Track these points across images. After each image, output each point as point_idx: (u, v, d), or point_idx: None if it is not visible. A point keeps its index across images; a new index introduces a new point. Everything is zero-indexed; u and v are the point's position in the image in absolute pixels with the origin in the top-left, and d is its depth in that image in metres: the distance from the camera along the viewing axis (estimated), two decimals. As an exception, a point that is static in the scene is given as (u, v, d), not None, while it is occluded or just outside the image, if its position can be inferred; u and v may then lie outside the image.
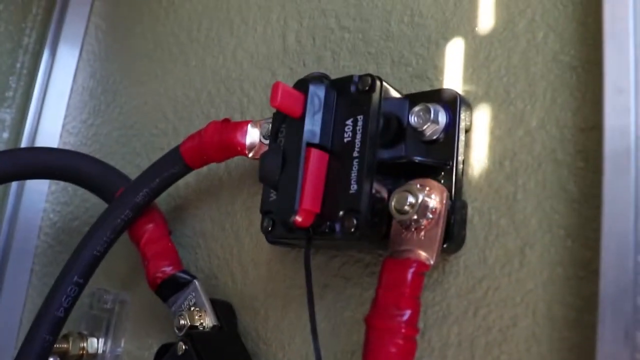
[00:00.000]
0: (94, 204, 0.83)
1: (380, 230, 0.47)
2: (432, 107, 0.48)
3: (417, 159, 0.48)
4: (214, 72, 0.75)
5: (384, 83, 0.49)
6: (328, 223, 0.47)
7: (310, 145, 0.48)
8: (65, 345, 0.72)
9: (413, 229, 0.45)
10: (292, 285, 0.59)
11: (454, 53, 0.53)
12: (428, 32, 0.56)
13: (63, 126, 0.94)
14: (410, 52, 0.56)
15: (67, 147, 0.92)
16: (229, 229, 0.66)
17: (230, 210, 0.66)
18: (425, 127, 0.48)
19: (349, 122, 0.48)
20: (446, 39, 0.54)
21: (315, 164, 0.47)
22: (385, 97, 0.49)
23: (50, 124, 0.93)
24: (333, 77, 0.52)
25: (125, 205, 0.62)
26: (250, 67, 0.70)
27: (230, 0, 0.76)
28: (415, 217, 0.45)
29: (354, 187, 0.46)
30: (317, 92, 0.50)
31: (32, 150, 0.80)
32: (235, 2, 0.75)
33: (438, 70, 0.54)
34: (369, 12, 0.61)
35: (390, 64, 0.57)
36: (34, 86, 0.95)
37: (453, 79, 0.53)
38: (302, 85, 0.50)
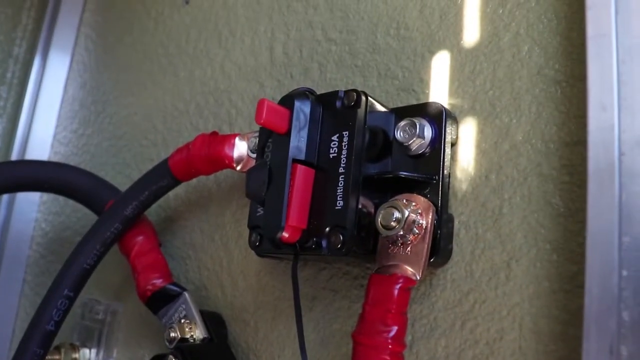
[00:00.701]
0: (86, 214, 0.83)
1: (367, 245, 0.47)
2: (418, 122, 0.48)
3: (403, 173, 0.48)
4: (202, 83, 0.75)
5: (370, 98, 0.49)
6: (315, 239, 0.47)
7: (296, 161, 0.48)
8: (57, 357, 0.72)
9: (400, 244, 0.46)
10: (281, 297, 0.59)
11: (440, 66, 0.53)
12: (414, 45, 0.56)
13: (54, 136, 0.94)
14: (396, 65, 0.57)
15: (58, 157, 0.93)
16: (219, 241, 0.66)
17: (220, 222, 0.66)
18: (411, 141, 0.48)
19: (335, 137, 0.49)
20: (432, 52, 0.54)
21: (301, 180, 0.48)
22: (370, 111, 0.49)
23: (41, 133, 0.94)
24: (320, 89, 0.53)
25: (115, 218, 0.62)
26: (238, 79, 0.70)
27: (218, 12, 0.76)
28: (402, 232, 0.45)
29: (340, 203, 0.46)
30: (303, 108, 0.50)
31: (23, 163, 0.79)
32: (223, 14, 0.75)
33: (424, 83, 0.54)
34: (355, 24, 0.61)
35: (377, 76, 0.58)
36: (25, 96, 0.95)
37: (439, 92, 0.53)
38: (287, 101, 0.50)
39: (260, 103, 0.48)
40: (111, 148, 0.86)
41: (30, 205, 0.91)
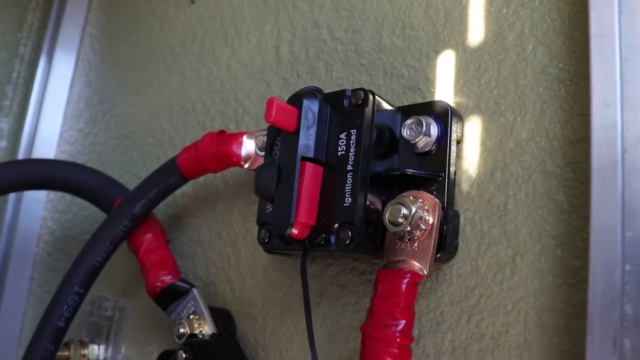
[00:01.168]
0: (92, 212, 0.83)
1: (375, 241, 0.48)
2: (424, 120, 0.49)
3: (410, 171, 0.49)
4: (208, 82, 0.75)
5: (377, 96, 0.50)
6: (323, 235, 0.48)
7: (304, 159, 0.49)
8: (66, 353, 0.73)
9: (407, 240, 0.47)
10: (289, 293, 0.60)
11: (445, 65, 0.54)
12: (419, 44, 0.57)
13: (60, 135, 0.95)
14: (402, 64, 0.57)
15: (64, 156, 0.93)
16: (226, 238, 0.67)
17: (227, 219, 0.67)
18: (417, 139, 0.49)
19: (343, 135, 0.49)
20: (437, 51, 0.55)
21: (310, 177, 0.48)
22: (377, 110, 0.50)
23: (48, 132, 0.94)
24: (326, 88, 0.54)
25: (124, 216, 0.63)
26: (245, 78, 0.71)
27: (223, 12, 0.77)
28: (409, 228, 0.46)
29: (348, 199, 0.47)
30: (311, 107, 0.51)
31: (31, 162, 0.80)
32: (229, 14, 0.76)
33: (429, 82, 0.55)
34: (360, 24, 0.62)
35: (383, 75, 0.58)
36: (31, 95, 0.95)
37: (444, 90, 0.54)
38: (296, 100, 0.51)
39: (270, 102, 0.49)
40: (118, 147, 0.86)
41: (37, 203, 0.92)
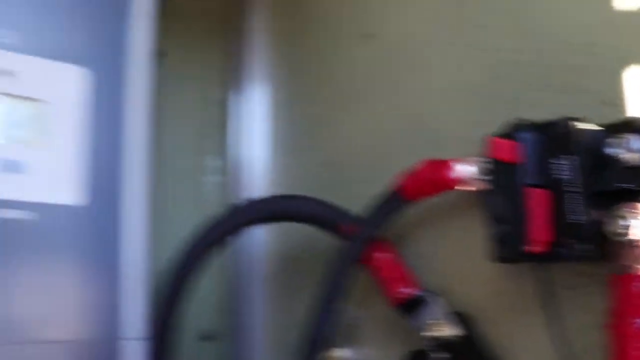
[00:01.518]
0: (309, 233, 0.90)
1: (601, 250, 0.56)
2: (627, 137, 0.56)
3: (622, 185, 0.56)
4: (404, 110, 0.84)
5: (581, 121, 0.58)
6: (555, 248, 0.57)
7: (527, 185, 0.59)
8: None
9: (631, 247, 0.54)
10: (520, 298, 0.67)
11: (635, 79, 0.60)
12: (608, 62, 0.62)
13: (266, 167, 1.08)
14: (590, 81, 0.63)
15: (276, 187, 1.06)
16: (447, 251, 0.76)
17: (446, 235, 0.76)
18: (623, 155, 0.56)
19: (558, 161, 0.58)
20: (624, 66, 0.61)
21: (537, 200, 0.58)
22: (584, 133, 0.58)
23: (255, 166, 1.08)
24: (520, 110, 0.63)
25: (361, 240, 0.76)
26: (439, 103, 0.79)
27: (404, 42, 0.85)
28: (631, 237, 0.54)
29: (573, 216, 0.56)
30: (525, 137, 0.60)
31: (277, 198, 0.93)
32: (411, 43, 0.84)
33: (621, 98, 0.61)
34: (547, 46, 0.68)
35: (575, 94, 0.64)
36: (233, 133, 1.10)
37: (638, 105, 0.60)
38: (511, 133, 0.61)
39: (491, 141, 0.61)
40: (321, 176, 0.96)
41: (260, 229, 1.03)
